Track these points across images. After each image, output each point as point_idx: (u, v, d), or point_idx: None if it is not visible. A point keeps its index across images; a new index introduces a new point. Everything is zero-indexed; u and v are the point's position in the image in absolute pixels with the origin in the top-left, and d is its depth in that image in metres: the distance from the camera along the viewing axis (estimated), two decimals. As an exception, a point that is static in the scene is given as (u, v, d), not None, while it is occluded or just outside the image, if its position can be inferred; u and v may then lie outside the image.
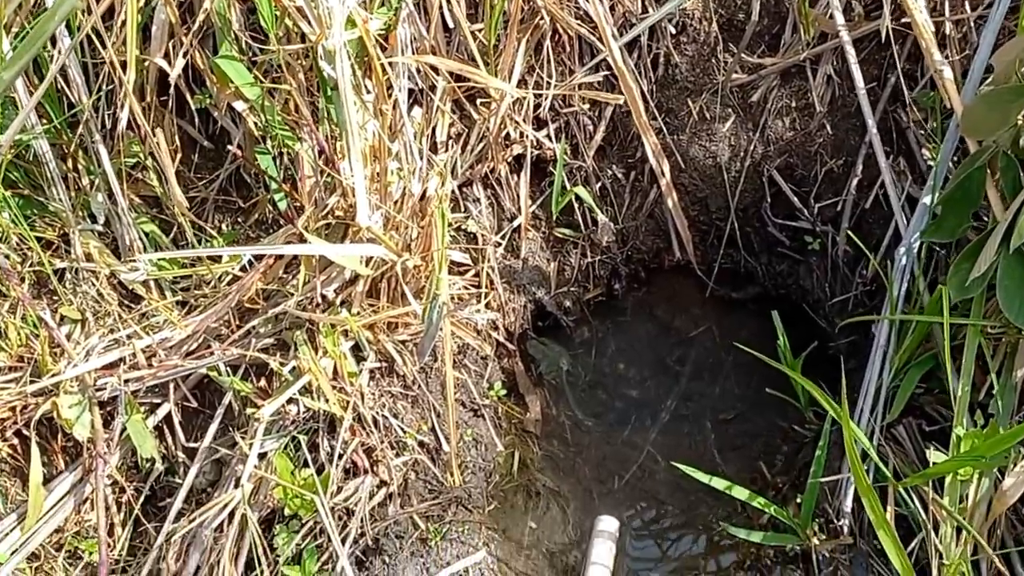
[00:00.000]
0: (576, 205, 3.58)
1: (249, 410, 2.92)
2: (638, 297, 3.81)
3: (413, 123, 3.09)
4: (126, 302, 3.17)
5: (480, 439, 3.16)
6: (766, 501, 2.78)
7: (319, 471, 2.87)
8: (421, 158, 2.95)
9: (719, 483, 2.83)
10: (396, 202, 2.99)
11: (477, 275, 3.41)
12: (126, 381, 2.92)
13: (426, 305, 2.82)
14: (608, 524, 3.01)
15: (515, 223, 3.54)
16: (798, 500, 2.85)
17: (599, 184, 3.58)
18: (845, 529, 2.75)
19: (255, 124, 3.13)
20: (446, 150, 3.36)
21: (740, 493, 2.81)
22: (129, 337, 3.01)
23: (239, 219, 3.40)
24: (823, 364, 3.36)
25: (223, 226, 3.38)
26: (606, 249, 3.63)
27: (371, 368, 2.96)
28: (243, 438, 2.89)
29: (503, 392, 3.34)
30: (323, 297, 2.96)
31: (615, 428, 3.49)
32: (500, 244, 3.51)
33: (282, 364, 2.92)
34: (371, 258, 2.89)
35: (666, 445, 3.42)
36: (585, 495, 3.31)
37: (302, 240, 3.08)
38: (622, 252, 3.66)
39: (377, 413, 2.96)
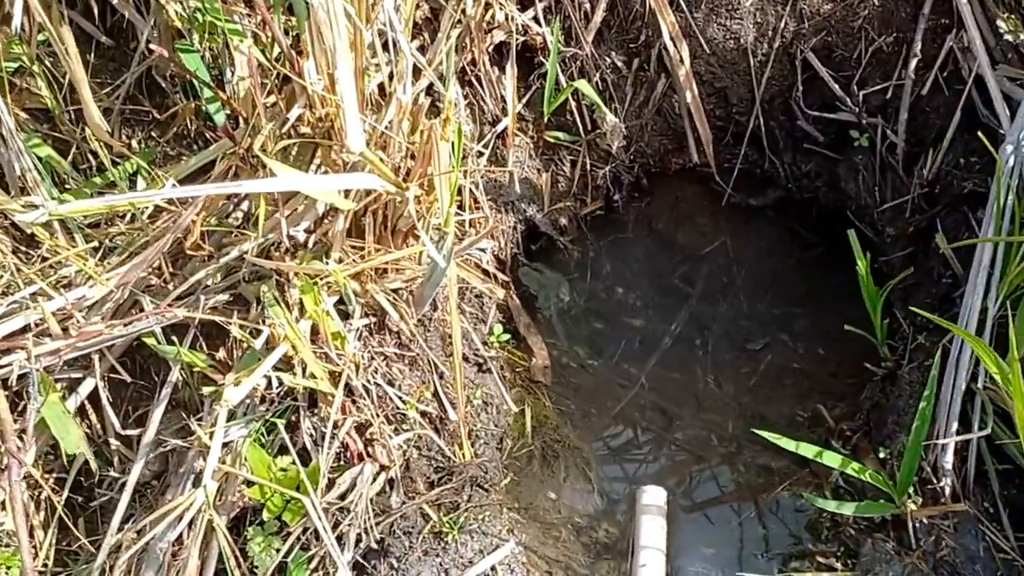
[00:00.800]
0: (573, 103, 2.96)
1: (206, 389, 2.26)
2: (640, 209, 3.25)
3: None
4: (23, 249, 2.45)
5: (490, 400, 2.58)
6: (860, 466, 2.30)
7: (302, 459, 2.26)
8: (407, 52, 2.27)
9: (807, 449, 2.33)
10: (375, 107, 2.33)
11: (458, 193, 2.77)
12: (36, 357, 2.22)
13: (429, 244, 2.19)
14: (654, 496, 2.50)
15: (499, 127, 2.90)
16: (879, 455, 2.39)
17: (597, 76, 2.96)
18: (947, 491, 2.31)
19: (177, 13, 2.39)
20: (413, 40, 2.68)
21: (831, 460, 2.31)
22: (34, 297, 2.30)
23: (153, 133, 2.68)
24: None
25: (133, 142, 2.65)
26: (607, 155, 3.04)
27: (358, 326, 2.33)
28: (200, 425, 2.24)
29: (505, 337, 2.75)
30: (291, 238, 2.29)
31: (625, 367, 2.97)
32: (483, 154, 2.88)
33: (243, 327, 2.26)
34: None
35: (685, 384, 2.92)
36: (608, 454, 2.78)
37: (246, 163, 2.39)
38: (626, 156, 3.06)
39: (369, 381, 2.34)
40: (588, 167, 3.05)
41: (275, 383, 2.25)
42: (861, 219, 2.96)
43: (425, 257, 2.38)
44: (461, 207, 2.75)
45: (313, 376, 2.17)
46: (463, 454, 2.46)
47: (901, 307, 2.72)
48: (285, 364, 2.25)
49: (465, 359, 2.59)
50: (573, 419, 2.83)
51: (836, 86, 2.85)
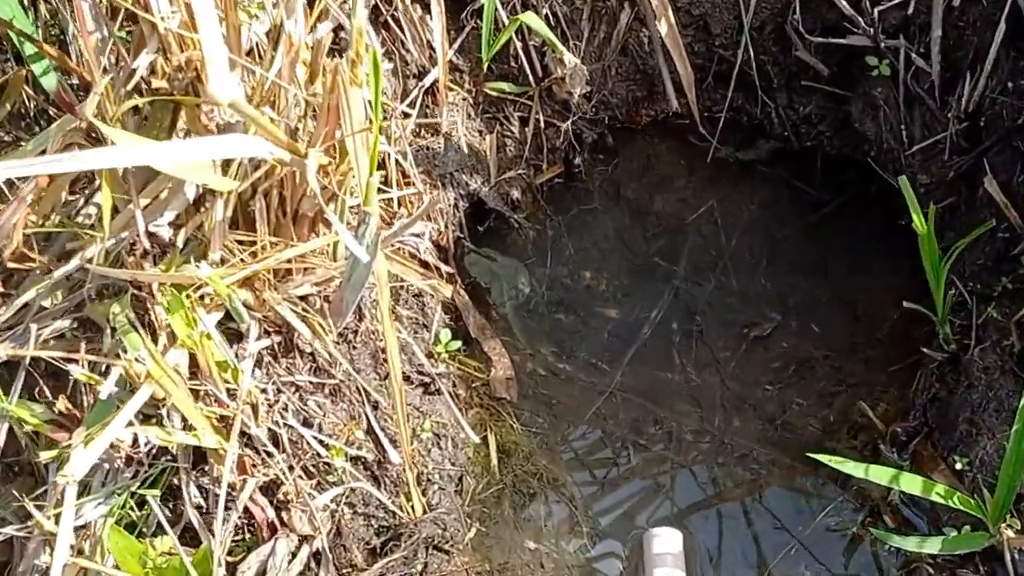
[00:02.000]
0: (518, 45, 2.35)
1: (45, 455, 1.61)
2: (607, 173, 2.66)
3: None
4: None
5: (442, 431, 1.98)
6: (950, 490, 1.73)
7: (188, 540, 1.63)
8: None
9: (881, 474, 1.75)
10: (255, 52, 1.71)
11: (381, 165, 2.15)
12: None
13: (344, 232, 1.56)
14: (668, 542, 1.91)
15: (428, 81, 2.28)
16: (955, 465, 1.83)
17: (546, 9, 2.35)
18: (1054, 514, 1.76)
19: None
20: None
21: (911, 485, 1.73)
22: None
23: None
24: (889, 236, 2.35)
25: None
26: (564, 108, 2.43)
27: (255, 351, 1.70)
28: (39, 506, 1.60)
29: (455, 345, 2.14)
30: (151, 236, 1.65)
31: (605, 368, 2.38)
32: (409, 115, 2.26)
33: (92, 364, 1.62)
34: (232, 161, 1.60)
35: (682, 387, 2.34)
36: (597, 484, 2.19)
37: (92, 137, 1.76)
38: (587, 108, 2.46)
39: (277, 423, 1.71)
40: (541, 125, 2.45)
41: (144, 441, 1.61)
42: (883, 167, 2.39)
43: (342, 250, 1.76)
44: (386, 183, 2.13)
45: (192, 428, 1.53)
46: (412, 507, 1.84)
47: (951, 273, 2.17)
48: (154, 411, 1.61)
49: (406, 380, 1.98)
50: (548, 442, 2.23)
51: (844, 3, 2.27)
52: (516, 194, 2.47)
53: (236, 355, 1.65)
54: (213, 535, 1.60)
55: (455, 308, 2.28)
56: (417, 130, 2.31)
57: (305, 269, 1.73)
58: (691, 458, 2.22)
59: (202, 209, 1.67)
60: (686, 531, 2.01)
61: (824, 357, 2.33)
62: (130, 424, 1.55)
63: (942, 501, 1.71)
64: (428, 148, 2.31)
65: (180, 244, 1.66)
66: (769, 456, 2.18)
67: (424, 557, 1.81)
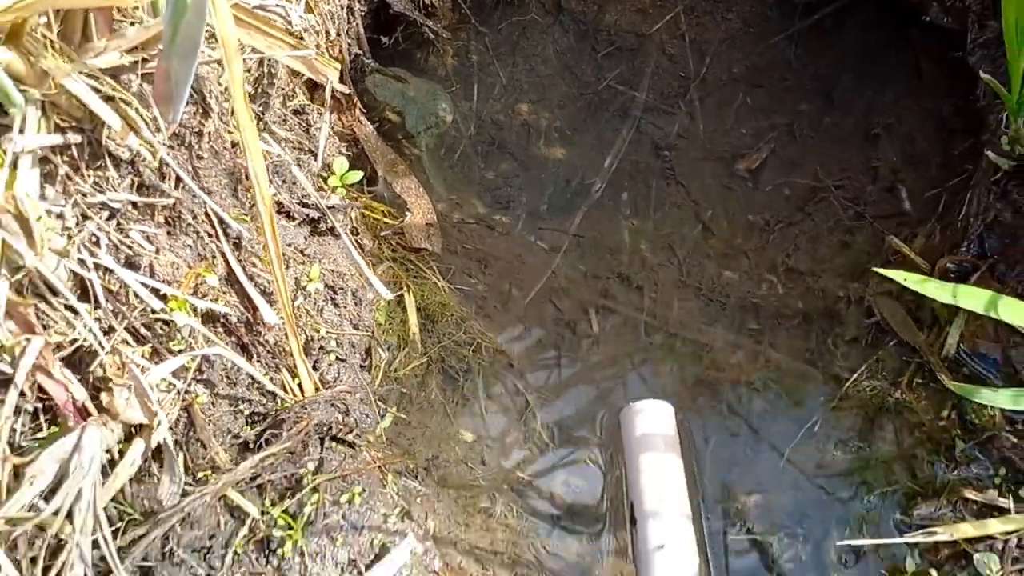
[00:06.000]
0: None
1: None
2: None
3: None
4: None
5: (340, 284, 1.42)
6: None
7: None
8: None
9: (969, 297, 1.23)
10: None
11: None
12: None
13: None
14: (655, 419, 1.39)
15: None
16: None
17: None
18: None
19: None
20: None
21: (1014, 312, 1.22)
22: None
23: None
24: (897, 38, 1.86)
25: None
26: None
27: (36, 147, 1.12)
28: None
29: (355, 177, 1.58)
30: None
31: (553, 220, 1.84)
32: None
33: None
34: None
35: (649, 234, 1.82)
36: (548, 358, 1.67)
37: None
38: None
39: (84, 262, 1.14)
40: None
41: None
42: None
43: (162, -3, 1.17)
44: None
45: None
46: (299, 386, 1.30)
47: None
48: None
49: (286, 215, 1.42)
50: (485, 308, 1.69)
51: None
52: (432, -3, 1.90)
53: (11, 164, 1.08)
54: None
55: (354, 141, 1.72)
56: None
57: (112, 29, 1.15)
58: (670, 320, 1.70)
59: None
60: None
61: (836, 187, 1.82)
62: None
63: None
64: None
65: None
66: (774, 311, 1.68)
67: (318, 451, 1.28)
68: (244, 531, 1.21)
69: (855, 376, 1.52)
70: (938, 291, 1.18)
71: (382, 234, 1.63)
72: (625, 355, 1.65)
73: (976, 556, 1.22)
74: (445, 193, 1.86)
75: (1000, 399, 1.23)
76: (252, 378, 1.29)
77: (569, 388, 1.61)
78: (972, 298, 1.18)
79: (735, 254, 1.77)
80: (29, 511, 1.07)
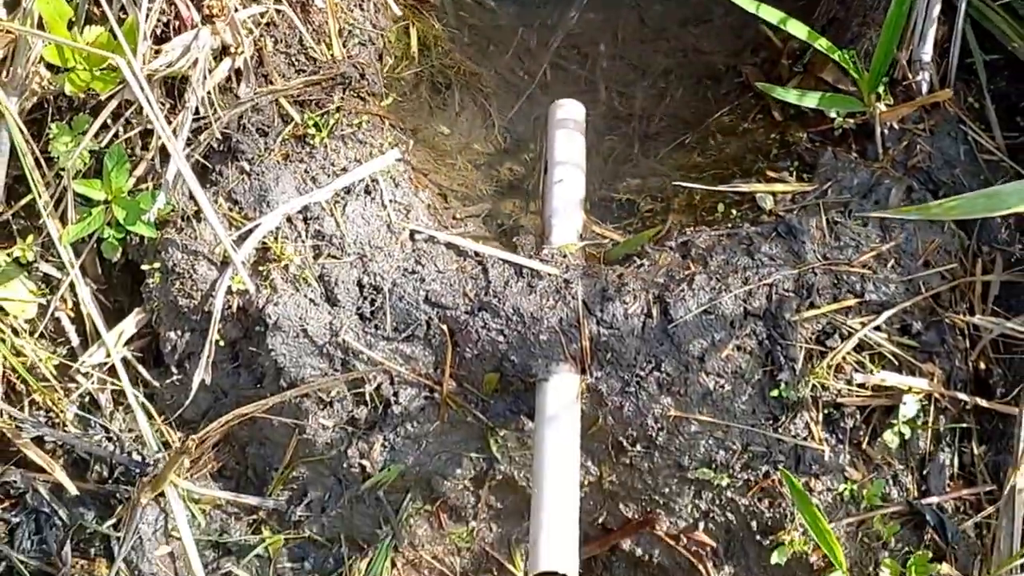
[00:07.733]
0: None
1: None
2: None
3: None
4: None
5: (365, -3, 2.05)
6: (831, 45, 1.86)
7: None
8: None
9: (769, 13, 1.88)
10: None
11: None
12: None
13: None
14: (571, 110, 2.02)
15: None
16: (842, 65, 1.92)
17: None
18: (924, 88, 1.91)
19: None
20: None
21: (797, 29, 1.87)
22: None
23: None
24: None
25: None
26: None
27: None
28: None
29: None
30: None
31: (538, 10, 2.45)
32: None
33: None
34: None
35: (603, 22, 2.42)
36: (512, 88, 2.30)
37: None
38: None
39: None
40: None
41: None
42: None
43: None
44: None
45: None
46: (332, 51, 1.94)
47: None
48: None
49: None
50: (469, 51, 2.32)
51: None
52: None
53: None
54: (140, 12, 1.68)
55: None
56: None
57: None
58: (606, 77, 2.32)
59: None
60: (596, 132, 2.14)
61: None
62: None
63: (826, 53, 1.85)
64: None
65: None
66: (679, 75, 2.31)
67: (340, 96, 1.91)
68: (289, 128, 1.85)
69: (719, 113, 2.15)
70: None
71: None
72: (567, 95, 2.26)
73: (758, 196, 1.86)
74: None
75: (790, 96, 1.88)
76: (302, 44, 1.92)
77: (523, 109, 2.25)
78: (798, 29, 1.83)
79: (658, 40, 2.39)
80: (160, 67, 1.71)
